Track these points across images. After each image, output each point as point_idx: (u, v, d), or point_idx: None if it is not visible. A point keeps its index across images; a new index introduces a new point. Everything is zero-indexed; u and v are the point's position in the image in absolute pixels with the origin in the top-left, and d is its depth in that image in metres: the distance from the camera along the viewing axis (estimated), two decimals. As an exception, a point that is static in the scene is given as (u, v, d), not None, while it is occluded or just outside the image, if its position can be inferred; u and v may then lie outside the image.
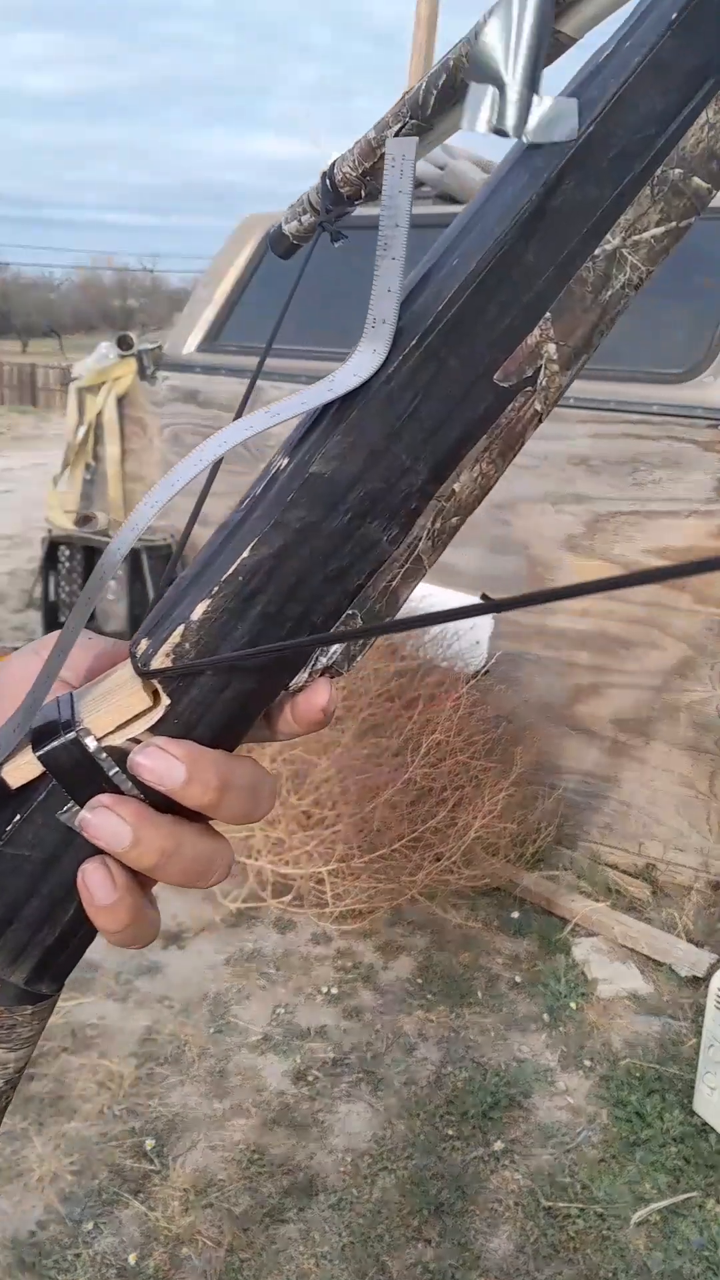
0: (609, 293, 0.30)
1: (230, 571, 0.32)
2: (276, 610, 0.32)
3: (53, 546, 4.12)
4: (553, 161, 0.29)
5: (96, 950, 2.85)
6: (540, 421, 0.32)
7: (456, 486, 0.32)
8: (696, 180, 0.30)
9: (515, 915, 2.97)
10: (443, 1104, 2.25)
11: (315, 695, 0.34)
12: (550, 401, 0.32)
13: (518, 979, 2.69)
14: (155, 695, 0.33)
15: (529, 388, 0.31)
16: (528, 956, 2.79)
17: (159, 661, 0.33)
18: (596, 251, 0.30)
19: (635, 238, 0.30)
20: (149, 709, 0.33)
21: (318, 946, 2.80)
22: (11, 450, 13.32)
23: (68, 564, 4.20)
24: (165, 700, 0.33)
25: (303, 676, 0.34)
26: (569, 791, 3.30)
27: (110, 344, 4.36)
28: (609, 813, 3.25)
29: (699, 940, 2.84)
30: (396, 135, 0.55)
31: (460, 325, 0.30)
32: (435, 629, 3.37)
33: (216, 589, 0.32)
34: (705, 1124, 2.19)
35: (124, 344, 4.30)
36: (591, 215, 0.29)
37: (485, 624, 3.40)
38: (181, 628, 0.32)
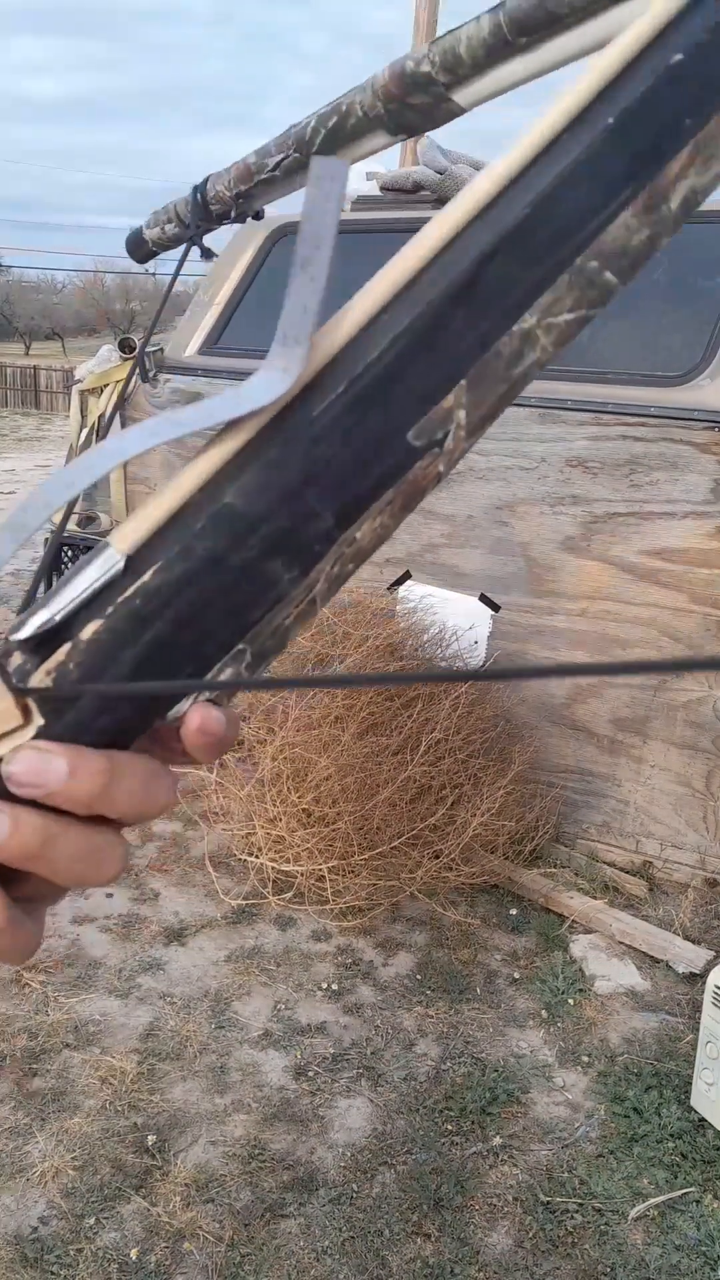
0: (519, 369, 0.32)
1: (128, 593, 0.31)
2: (169, 637, 0.31)
3: (56, 547, 4.14)
4: (488, 235, 0.31)
5: (99, 947, 2.88)
6: (440, 481, 0.32)
7: (358, 534, 0.32)
8: (608, 275, 0.32)
9: (514, 912, 2.98)
10: (442, 1099, 2.26)
11: (196, 721, 0.33)
12: (452, 464, 0.32)
13: (516, 975, 2.71)
14: (26, 712, 0.31)
15: (437, 449, 0.32)
16: (526, 953, 2.81)
17: (39, 679, 0.31)
18: (515, 328, 0.31)
19: (549, 320, 0.31)
20: (19, 727, 0.31)
21: (318, 943, 2.82)
22: (14, 452, 13.35)
23: (70, 564, 4.22)
24: (38, 720, 0.31)
25: (184, 705, 0.33)
26: (567, 790, 3.32)
27: (112, 347, 4.38)
28: (607, 811, 3.27)
29: (696, 937, 2.86)
30: (276, 167, 0.55)
31: (385, 381, 0.31)
32: (435, 628, 3.39)
33: (111, 610, 0.31)
34: (702, 1120, 2.20)
35: (126, 347, 4.32)
36: (516, 292, 0.31)
37: (484, 624, 3.42)
38: (68, 646, 0.31)
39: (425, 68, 0.47)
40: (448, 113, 0.48)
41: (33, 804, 0.31)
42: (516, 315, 0.31)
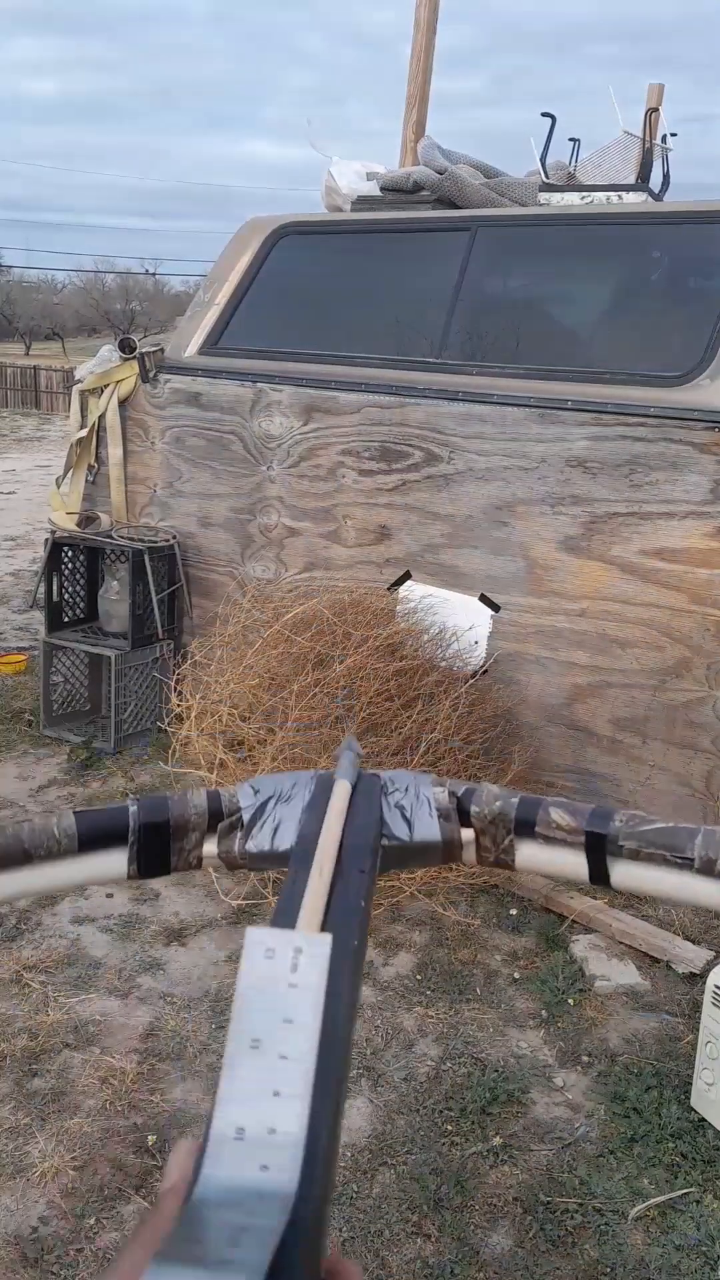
0: None
1: None
2: None
3: (56, 547, 4.14)
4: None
5: (99, 947, 2.87)
6: None
7: None
8: None
9: (514, 912, 2.98)
10: (441, 1100, 2.26)
11: None
12: None
13: (516, 975, 2.71)
14: None
15: None
16: (526, 953, 2.81)
17: None
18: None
19: None
20: None
21: (318, 944, 2.81)
22: (15, 452, 13.34)
23: (70, 565, 4.22)
24: None
25: None
26: (567, 790, 3.32)
27: (112, 347, 4.38)
28: (608, 812, 3.27)
29: (696, 937, 2.86)
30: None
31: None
32: (435, 626, 3.39)
33: None
34: (702, 1119, 2.20)
35: (126, 347, 4.32)
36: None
37: (484, 624, 3.42)
38: None
39: None
40: None
41: None
42: None
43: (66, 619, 4.22)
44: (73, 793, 3.64)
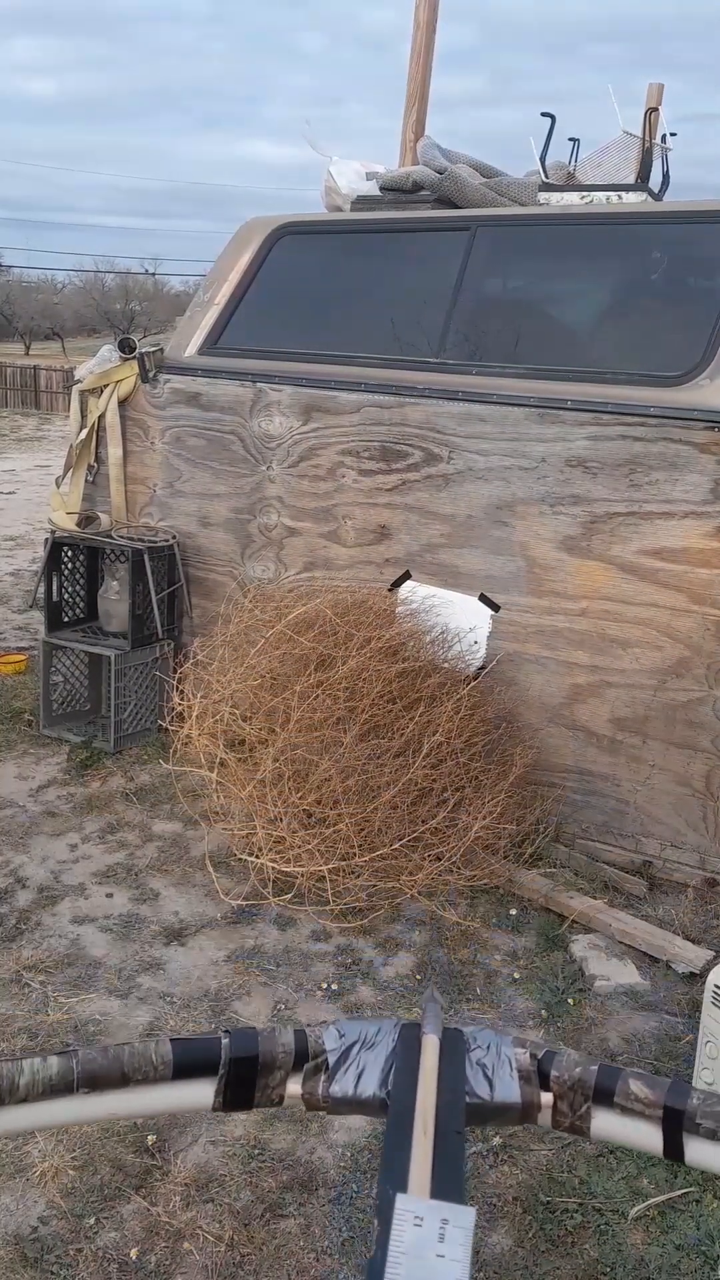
0: None
1: None
2: None
3: (56, 547, 4.14)
4: None
5: (98, 947, 2.87)
6: None
7: None
8: None
9: (514, 912, 2.98)
10: (442, 1100, 2.26)
11: None
12: None
13: (516, 975, 2.71)
14: None
15: None
16: (525, 953, 2.81)
17: None
18: None
19: None
20: None
21: (318, 943, 2.81)
22: (14, 452, 13.34)
23: (70, 565, 4.22)
24: None
25: None
26: (567, 790, 3.32)
27: (112, 347, 4.38)
28: (607, 811, 3.27)
29: (696, 937, 2.86)
30: None
31: None
32: (437, 627, 3.39)
33: None
34: (702, 1120, 2.20)
35: (126, 347, 4.32)
36: None
37: (484, 624, 3.42)
38: None
39: None
40: None
41: None
42: None
43: (66, 619, 4.22)
44: (72, 792, 3.65)
